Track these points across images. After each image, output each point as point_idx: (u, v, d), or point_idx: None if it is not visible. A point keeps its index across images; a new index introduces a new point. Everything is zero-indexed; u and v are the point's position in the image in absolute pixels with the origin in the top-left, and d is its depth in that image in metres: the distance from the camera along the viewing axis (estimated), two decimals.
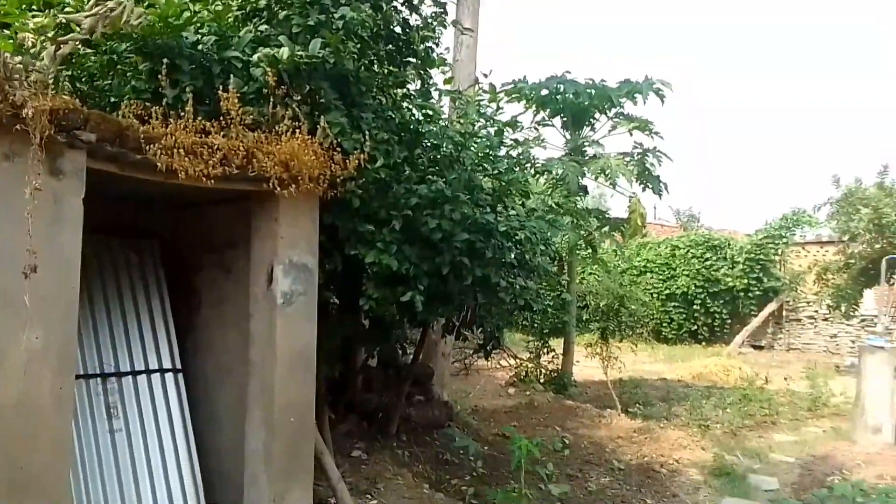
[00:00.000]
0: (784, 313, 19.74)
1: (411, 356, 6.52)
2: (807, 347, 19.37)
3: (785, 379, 12.19)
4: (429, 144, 4.98)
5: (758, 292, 18.99)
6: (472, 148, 5.00)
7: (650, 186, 10.13)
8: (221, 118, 3.43)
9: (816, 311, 19.07)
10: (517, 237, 4.90)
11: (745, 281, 18.85)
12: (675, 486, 6.30)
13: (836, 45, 77.07)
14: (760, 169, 67.46)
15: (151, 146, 3.11)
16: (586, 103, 9.99)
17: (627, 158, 10.19)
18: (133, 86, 3.65)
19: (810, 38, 74.23)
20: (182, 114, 3.31)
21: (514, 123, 6.21)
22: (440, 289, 4.63)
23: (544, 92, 10.09)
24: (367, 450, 5.59)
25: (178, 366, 4.12)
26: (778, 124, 72.60)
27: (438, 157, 4.98)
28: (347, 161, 3.84)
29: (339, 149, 3.87)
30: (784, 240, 18.80)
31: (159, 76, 3.47)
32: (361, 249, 4.31)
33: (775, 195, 52.71)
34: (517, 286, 4.93)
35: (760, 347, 19.65)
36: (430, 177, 4.63)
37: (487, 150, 5.08)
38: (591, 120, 10.63)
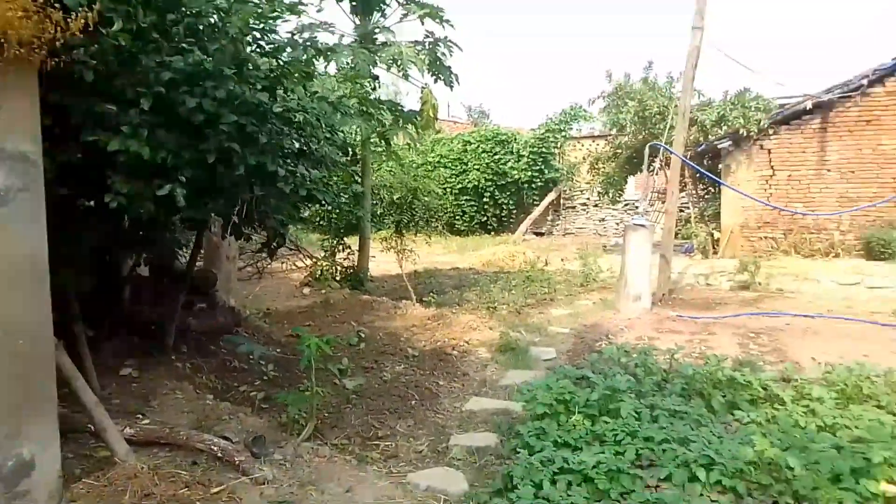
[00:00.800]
0: (562, 202, 21.46)
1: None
2: (580, 231, 21.40)
3: (562, 260, 13.31)
4: (188, 12, 4.20)
5: (540, 183, 20.34)
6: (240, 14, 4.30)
7: (442, 77, 9.94)
8: None
9: (588, 199, 21.00)
10: (297, 121, 4.40)
11: (529, 173, 20.03)
12: (465, 366, 6.55)
13: None
14: (545, 67, 71.33)
15: None
16: None
17: (419, 47, 9.86)
18: None
19: None
20: None
21: (295, 7, 5.51)
22: (207, 181, 4.06)
23: None
24: (140, 366, 5.00)
25: None
26: (560, 25, 76.52)
27: (200, 27, 4.24)
28: (69, 21, 3.04)
29: (57, 4, 3.04)
30: (563, 133, 20.12)
31: None
32: (102, 135, 3.58)
33: (558, 92, 56.17)
34: (299, 175, 4.47)
35: (542, 234, 21.31)
36: (186, 47, 3.91)
37: (259, 18, 4.39)
38: (382, 5, 10.05)
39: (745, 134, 12.77)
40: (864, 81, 11.84)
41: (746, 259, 11.26)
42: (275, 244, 5.29)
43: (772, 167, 12.96)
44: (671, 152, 10.00)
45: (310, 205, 5.99)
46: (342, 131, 6.53)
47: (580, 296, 10.64)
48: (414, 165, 18.67)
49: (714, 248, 13.61)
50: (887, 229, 11.70)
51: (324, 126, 4.86)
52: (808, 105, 12.34)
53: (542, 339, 7.87)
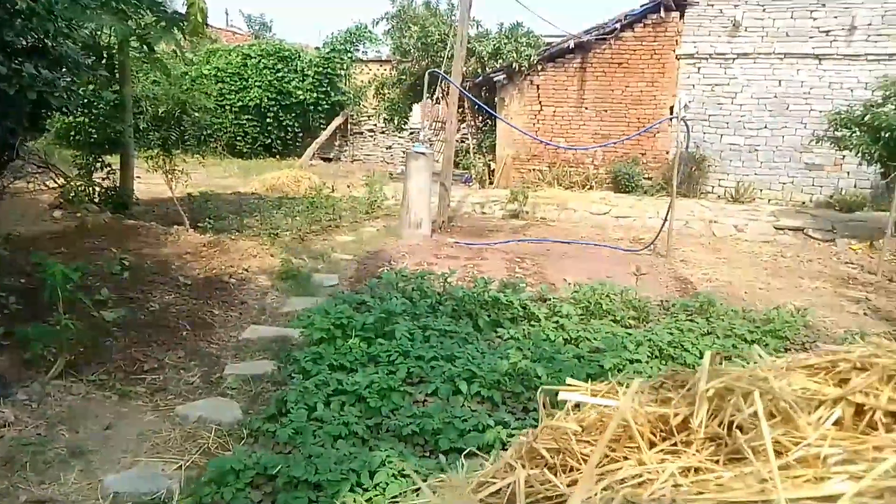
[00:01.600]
0: (349, 127, 21.15)
1: None
2: (367, 158, 21.37)
3: (348, 187, 13.21)
4: None
5: (326, 106, 19.73)
6: None
7: None
8: None
9: (375, 125, 20.92)
10: (20, 7, 3.69)
11: (315, 94, 19.31)
12: (243, 294, 6.31)
13: None
14: None
15: None
16: None
17: None
18: None
19: None
20: None
21: None
22: None
23: None
24: None
25: None
26: None
27: None
28: None
29: None
30: (349, 54, 19.56)
31: None
32: None
33: (346, 7, 54.23)
34: (26, 75, 3.79)
35: (329, 160, 20.93)
36: None
37: None
38: None
39: (517, 68, 13.51)
40: (617, 25, 13.07)
41: (516, 190, 12.14)
42: (5, 157, 4.50)
43: (540, 102, 13.95)
44: (449, 81, 10.27)
45: (48, 112, 5.16)
46: (91, 31, 5.66)
47: (365, 223, 10.72)
48: (187, 77, 17.10)
49: (490, 178, 14.46)
50: (632, 165, 13.32)
51: (59, 19, 4.14)
52: (571, 44, 13.36)
53: (325, 265, 7.83)
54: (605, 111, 13.55)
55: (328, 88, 19.44)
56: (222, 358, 4.78)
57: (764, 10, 12.27)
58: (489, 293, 5.56)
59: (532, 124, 14.02)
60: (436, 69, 11.19)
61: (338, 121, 20.20)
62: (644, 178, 13.36)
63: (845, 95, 11.70)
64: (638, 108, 13.30)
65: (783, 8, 12.16)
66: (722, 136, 12.95)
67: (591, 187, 13.68)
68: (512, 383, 3.88)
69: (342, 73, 19.76)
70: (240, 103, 19.20)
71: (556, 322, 5.12)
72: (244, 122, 19.41)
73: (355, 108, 20.34)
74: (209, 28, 23.42)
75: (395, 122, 17.04)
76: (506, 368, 3.92)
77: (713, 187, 13.18)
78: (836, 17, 11.89)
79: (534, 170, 14.22)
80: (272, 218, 9.83)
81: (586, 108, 13.66)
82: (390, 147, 21.17)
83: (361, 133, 21.42)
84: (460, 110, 15.41)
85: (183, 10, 8.81)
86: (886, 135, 8.64)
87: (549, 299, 5.80)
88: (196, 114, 8.81)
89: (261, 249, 7.82)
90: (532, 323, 5.23)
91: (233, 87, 19.22)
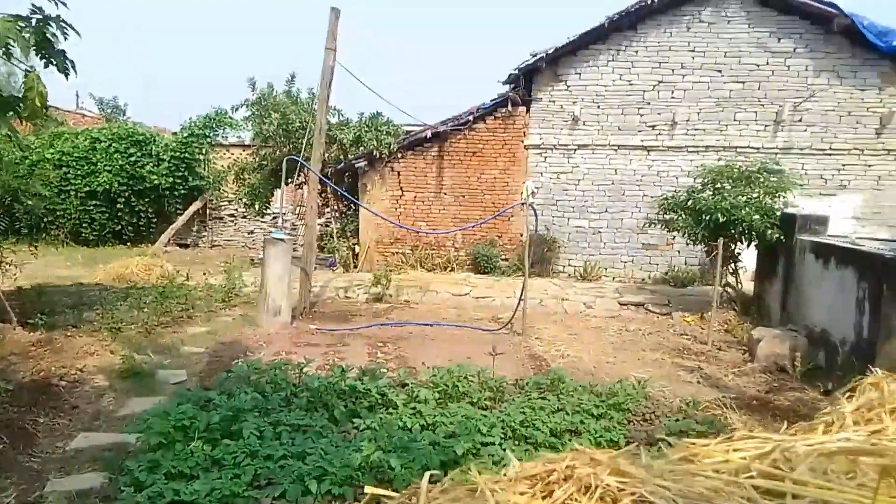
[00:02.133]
0: (208, 212, 20.49)
1: None
2: (228, 244, 20.69)
3: (204, 274, 12.68)
4: None
5: (183, 191, 19.08)
6: None
7: (54, 62, 8.64)
8: None
9: (236, 210, 20.44)
10: None
11: (172, 179, 18.64)
12: (75, 398, 5.78)
13: None
14: (189, 66, 67.54)
15: None
16: None
17: (23, 24, 8.40)
18: None
19: None
20: None
21: None
22: None
23: None
24: None
25: None
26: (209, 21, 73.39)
27: None
28: None
29: None
30: (207, 139, 19.22)
31: None
32: None
33: (204, 94, 53.63)
34: None
35: (186, 246, 20.04)
36: None
37: None
38: None
39: (378, 155, 13.92)
40: (470, 118, 13.92)
41: (380, 273, 12.22)
42: None
43: (401, 188, 14.36)
44: (307, 167, 10.35)
45: None
46: None
47: (221, 312, 10.27)
48: (27, 161, 15.93)
49: (355, 261, 14.48)
50: (489, 247, 13.91)
51: None
52: (428, 134, 14.03)
53: (173, 360, 7.38)
54: (463, 196, 14.18)
55: (185, 173, 18.85)
56: (44, 473, 4.30)
57: (598, 107, 13.62)
58: (346, 382, 5.47)
59: (394, 208, 14.34)
60: (294, 156, 11.25)
61: (196, 206, 19.54)
62: (501, 260, 13.97)
63: (672, 182, 13.08)
64: (493, 193, 14.04)
65: (615, 105, 13.56)
66: (569, 219, 13.93)
67: (452, 269, 14.06)
68: (365, 478, 3.79)
69: (201, 157, 19.30)
70: (87, 188, 18.07)
71: (414, 408, 5.11)
72: (91, 208, 18.25)
73: (215, 192, 19.82)
74: (55, 111, 22.21)
75: (257, 206, 16.75)
76: (359, 462, 3.84)
77: (564, 267, 14.01)
78: (659, 114, 13.42)
79: (397, 252, 14.45)
80: (116, 310, 9.16)
81: (445, 194, 14.22)
82: (252, 232, 20.68)
83: (221, 218, 20.81)
84: (323, 195, 15.49)
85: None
86: (707, 217, 9.68)
87: (408, 384, 5.80)
88: (30, 202, 8.18)
89: (100, 346, 7.25)
90: (390, 410, 5.19)
91: (79, 172, 18.11)
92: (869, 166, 12.93)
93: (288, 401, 5.23)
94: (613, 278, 13.68)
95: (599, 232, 13.88)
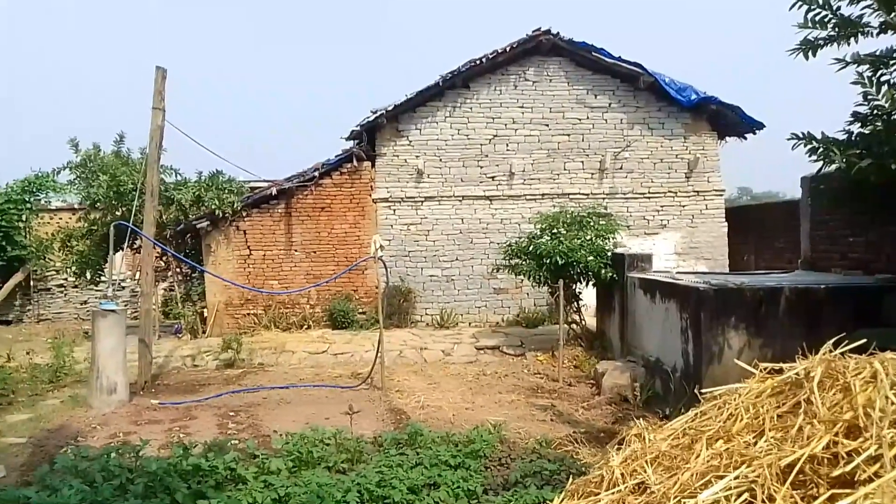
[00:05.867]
0: (32, 283, 18.56)
1: None
2: (58, 317, 18.82)
3: (28, 353, 11.38)
4: None
5: (2, 263, 17.19)
6: None
7: None
8: None
9: (66, 279, 18.68)
10: None
11: None
12: None
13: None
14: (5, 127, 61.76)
15: None
16: None
17: None
18: None
19: None
20: None
21: None
22: None
23: None
24: None
25: None
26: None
27: None
28: None
29: None
30: (28, 204, 17.54)
31: None
32: None
33: (21, 156, 49.10)
34: None
35: (8, 322, 17.97)
36: None
37: None
38: None
39: (221, 215, 13.40)
40: (316, 174, 13.87)
41: (230, 337, 11.64)
42: None
43: (248, 247, 13.90)
44: (138, 232, 9.77)
45: None
46: None
47: (48, 394, 9.26)
48: None
49: (203, 326, 13.69)
50: (345, 301, 13.76)
51: None
52: (274, 191, 13.77)
53: None
54: (315, 252, 13.98)
55: (3, 243, 16.99)
56: None
57: (440, 160, 14.14)
58: (190, 460, 5.08)
59: (243, 268, 13.82)
60: (126, 220, 10.54)
61: (17, 278, 17.63)
62: (359, 313, 13.86)
63: (515, 229, 13.77)
64: (345, 247, 13.98)
65: (455, 158, 14.16)
66: (423, 269, 14.17)
67: (309, 326, 13.72)
68: None
69: (20, 225, 17.51)
70: None
71: (265, 481, 4.85)
72: None
73: (39, 262, 17.99)
74: None
75: (88, 275, 15.40)
76: None
77: (421, 316, 14.17)
78: (497, 166, 14.18)
79: (249, 314, 13.87)
80: None
81: (296, 251, 13.95)
82: (86, 302, 18.96)
83: (49, 289, 18.91)
84: (165, 258, 14.60)
85: None
86: (547, 260, 10.27)
87: (259, 455, 5.51)
88: None
89: None
90: (239, 486, 4.88)
91: None
92: (683, 206, 14.43)
93: (123, 489, 4.75)
94: (470, 324, 14.03)
95: (452, 280, 14.23)
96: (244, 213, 13.79)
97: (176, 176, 14.15)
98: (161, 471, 4.89)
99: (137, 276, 16.86)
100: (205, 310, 13.96)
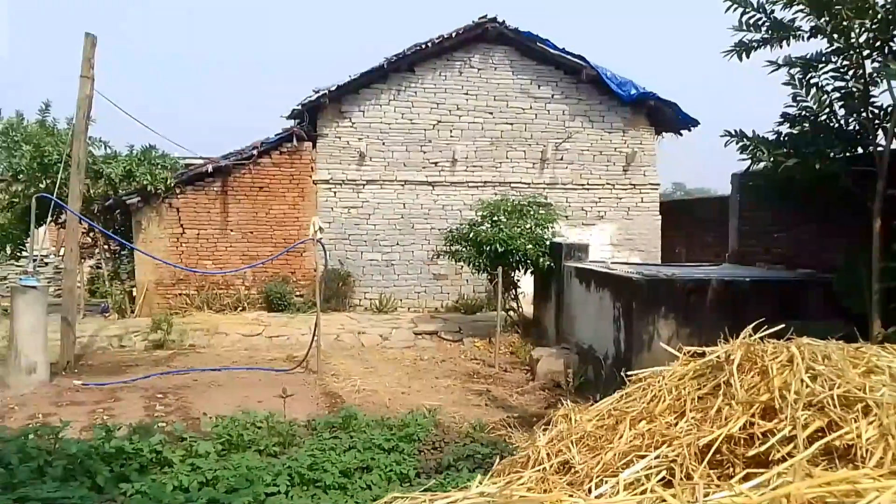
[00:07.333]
0: None
1: None
2: None
3: None
4: None
5: None
6: None
7: None
8: None
9: None
10: None
11: None
12: None
13: None
14: None
15: None
16: None
17: None
18: None
19: None
20: None
21: None
22: None
23: None
24: None
25: None
26: None
27: None
28: None
29: None
30: None
31: None
32: None
33: None
34: None
35: None
36: None
37: None
38: None
39: (153, 191, 12.90)
40: (255, 152, 13.48)
41: (159, 317, 11.28)
42: None
43: (182, 225, 13.43)
44: (62, 206, 9.33)
45: None
46: None
47: None
48: None
49: (132, 306, 13.20)
50: (282, 284, 13.51)
51: None
52: (209, 168, 13.31)
53: None
54: (251, 233, 13.65)
55: None
56: None
57: (383, 143, 14.01)
58: (113, 442, 4.91)
59: (175, 247, 13.37)
60: (45, 194, 10.03)
61: None
62: (296, 296, 13.63)
63: (456, 216, 13.79)
64: (283, 229, 13.70)
65: (399, 142, 14.05)
66: (363, 253, 14.05)
67: (243, 308, 13.42)
68: None
69: None
70: None
71: (192, 464, 4.73)
72: None
73: None
74: None
75: (8, 250, 14.62)
76: None
77: (360, 300, 14.06)
78: (440, 152, 14.16)
79: (181, 294, 13.45)
80: None
81: (231, 231, 13.58)
82: (5, 278, 18.00)
83: None
84: (92, 234, 13.98)
85: None
86: (487, 248, 10.35)
87: (186, 438, 5.36)
88: None
89: None
90: (165, 469, 4.75)
91: None
92: (620, 199, 14.78)
93: (41, 472, 4.55)
94: (409, 309, 14.00)
95: (392, 264, 14.16)
96: (178, 191, 13.31)
97: (105, 149, 13.52)
98: (81, 453, 4.72)
99: (62, 252, 16.13)
100: (134, 289, 13.45)
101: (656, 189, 15.05)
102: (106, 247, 14.13)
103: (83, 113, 9.16)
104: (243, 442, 5.35)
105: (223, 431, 5.45)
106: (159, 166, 13.15)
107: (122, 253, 14.38)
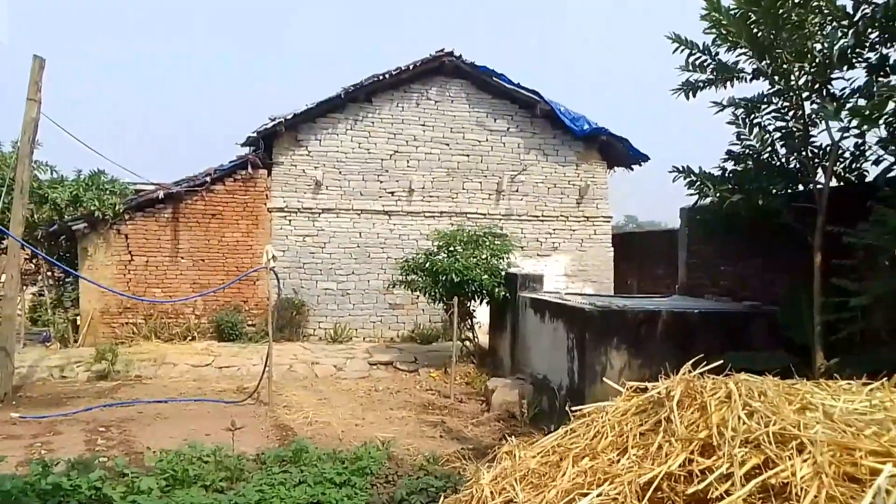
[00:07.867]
0: None
1: None
2: None
3: None
4: None
5: None
6: None
7: None
8: None
9: None
10: None
11: None
12: None
13: None
14: None
15: None
16: None
17: None
18: None
19: None
20: None
21: None
22: None
23: None
24: None
25: None
26: None
27: None
28: None
29: None
30: None
31: None
32: None
33: None
34: None
35: None
36: None
37: None
38: None
39: (101, 217, 12.57)
40: (208, 179, 13.30)
41: (104, 347, 10.92)
42: None
43: (130, 252, 13.10)
44: (3, 231, 9.04)
45: None
46: None
47: None
48: None
49: (76, 335, 12.74)
50: (234, 313, 13.26)
51: None
52: (161, 194, 13.05)
53: None
54: (203, 261, 13.39)
55: None
56: None
57: (340, 172, 14.00)
58: (49, 479, 4.70)
59: (122, 275, 13.01)
60: None
61: None
62: (248, 325, 13.39)
63: (412, 245, 13.82)
64: (235, 257, 13.48)
65: (355, 172, 14.07)
66: (317, 282, 13.92)
67: (193, 338, 13.11)
68: None
69: None
70: None
71: (133, 501, 4.57)
72: None
73: None
74: None
75: None
76: None
77: (314, 329, 13.88)
78: (397, 181, 14.22)
79: (128, 323, 13.06)
80: None
81: (182, 258, 13.30)
82: None
83: None
84: (35, 261, 13.51)
85: None
86: (443, 277, 10.37)
87: (128, 474, 5.18)
88: None
89: None
90: None
91: None
92: (573, 231, 15.05)
93: None
94: (364, 339, 13.89)
95: (348, 293, 14.06)
96: (127, 217, 13.00)
97: (52, 173, 13.15)
98: (16, 490, 4.51)
99: (2, 279, 15.53)
100: (78, 317, 13.01)
101: (609, 221, 15.39)
102: (49, 273, 13.67)
103: (28, 136, 8.94)
104: (188, 477, 5.19)
105: (167, 466, 5.28)
106: (108, 192, 12.84)
107: (67, 280, 13.92)
